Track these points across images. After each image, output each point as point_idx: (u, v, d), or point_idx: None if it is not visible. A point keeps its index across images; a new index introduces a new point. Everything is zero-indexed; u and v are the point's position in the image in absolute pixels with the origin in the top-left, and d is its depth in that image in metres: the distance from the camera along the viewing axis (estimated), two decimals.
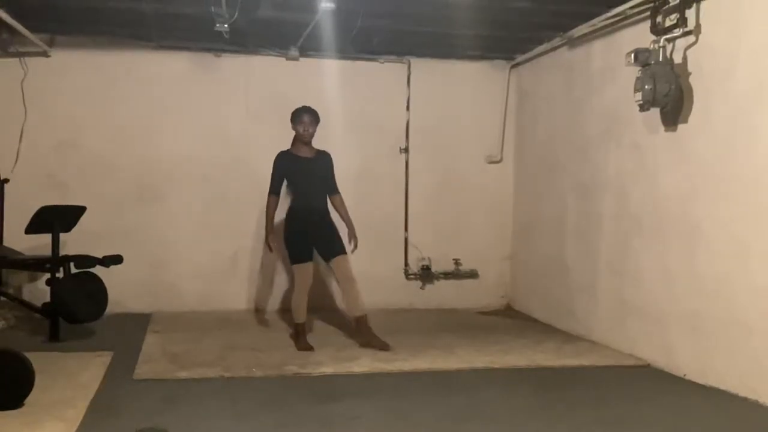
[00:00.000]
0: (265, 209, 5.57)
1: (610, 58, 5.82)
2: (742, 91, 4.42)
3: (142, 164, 6.95)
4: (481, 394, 4.40)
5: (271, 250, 5.55)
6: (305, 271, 5.50)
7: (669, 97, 4.82)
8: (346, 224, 5.68)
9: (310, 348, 5.42)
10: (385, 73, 7.44)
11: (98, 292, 5.71)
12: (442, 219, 7.59)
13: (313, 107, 5.64)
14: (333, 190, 5.69)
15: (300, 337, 5.55)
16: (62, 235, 5.68)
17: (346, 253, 5.58)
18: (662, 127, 5.11)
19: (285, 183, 5.61)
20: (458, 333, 6.21)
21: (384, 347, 5.42)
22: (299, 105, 6.99)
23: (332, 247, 5.53)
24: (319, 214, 5.56)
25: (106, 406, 3.95)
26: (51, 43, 6.68)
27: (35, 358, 3.96)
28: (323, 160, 5.64)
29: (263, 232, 7.09)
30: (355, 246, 5.67)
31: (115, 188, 6.89)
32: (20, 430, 3.50)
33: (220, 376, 4.68)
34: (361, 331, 5.58)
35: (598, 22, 5.77)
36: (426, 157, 7.53)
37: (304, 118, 5.54)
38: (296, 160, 5.55)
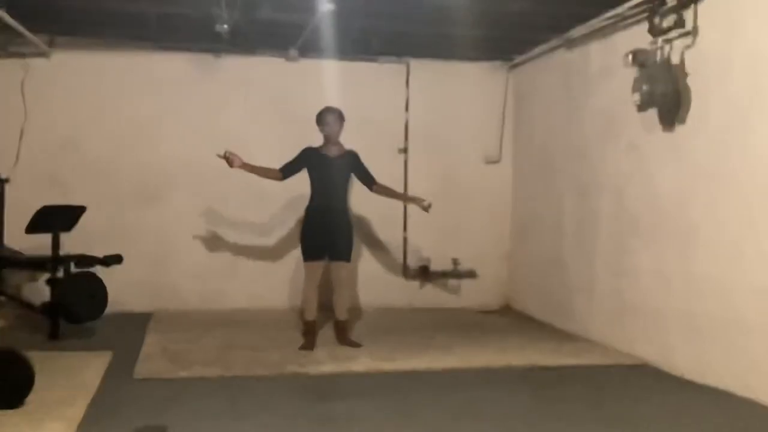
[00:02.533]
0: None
1: (607, 59, 5.84)
2: (739, 92, 4.44)
3: (142, 164, 6.97)
4: (480, 393, 4.42)
5: (225, 157, 5.50)
6: (315, 269, 5.57)
7: (666, 97, 4.85)
8: (404, 198, 5.83)
9: (309, 348, 5.46)
10: (384, 74, 7.46)
11: (98, 291, 5.73)
12: (441, 219, 7.57)
13: (335, 106, 5.68)
14: (371, 182, 5.72)
15: (307, 335, 5.59)
16: (62, 235, 5.70)
17: (349, 260, 5.70)
18: (660, 128, 5.13)
19: (309, 180, 5.64)
20: (457, 332, 6.23)
21: (356, 345, 5.59)
22: (298, 105, 7.06)
23: (339, 251, 5.60)
24: (337, 214, 5.60)
25: (106, 405, 3.97)
26: (51, 44, 6.70)
27: (35, 358, 3.97)
28: (348, 159, 5.68)
29: (263, 231, 7.19)
30: (429, 205, 5.71)
31: (115, 188, 6.91)
32: (20, 429, 3.52)
33: (220, 375, 4.69)
34: (338, 332, 5.75)
35: (595, 23, 5.80)
36: (425, 157, 7.56)
37: (328, 119, 5.59)
38: (321, 158, 5.60)
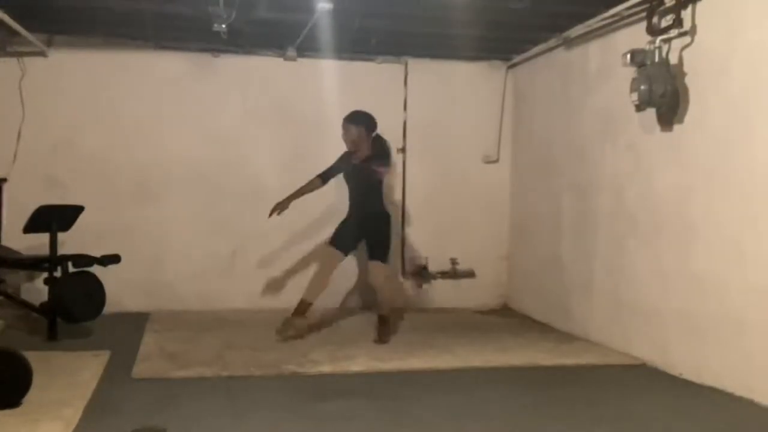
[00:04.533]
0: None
1: (606, 59, 5.84)
2: (738, 91, 4.44)
3: (140, 164, 6.97)
4: (478, 393, 4.42)
5: (270, 214, 5.77)
6: (332, 255, 5.75)
7: (665, 97, 4.84)
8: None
9: (300, 335, 5.62)
10: (383, 73, 7.45)
11: (96, 291, 5.71)
12: (439, 219, 7.61)
13: (361, 110, 5.89)
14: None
15: (297, 313, 5.68)
16: (60, 235, 5.68)
17: (378, 260, 5.79)
18: (658, 128, 5.13)
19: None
20: (455, 332, 6.23)
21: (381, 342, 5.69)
22: (297, 105, 7.07)
23: (370, 252, 5.82)
24: (364, 219, 5.78)
25: (103, 405, 3.97)
26: (49, 43, 6.69)
27: (33, 358, 3.96)
28: (372, 162, 5.79)
29: (261, 231, 7.18)
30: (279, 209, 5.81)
31: (113, 188, 6.91)
32: (18, 429, 3.51)
33: (218, 375, 4.69)
34: (377, 327, 5.82)
35: (594, 22, 5.79)
36: (423, 157, 7.55)
37: (342, 125, 5.82)
38: (348, 164, 5.80)
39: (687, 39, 4.84)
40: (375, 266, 5.77)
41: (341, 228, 5.83)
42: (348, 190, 5.90)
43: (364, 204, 5.81)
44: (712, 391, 4.48)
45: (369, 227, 5.77)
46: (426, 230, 7.58)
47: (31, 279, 6.57)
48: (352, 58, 7.25)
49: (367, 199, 5.82)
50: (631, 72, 5.04)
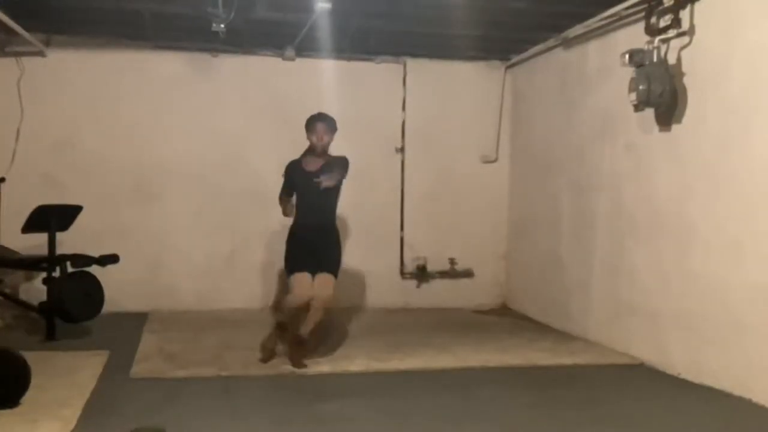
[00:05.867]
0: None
1: (604, 59, 5.84)
2: (736, 91, 4.45)
3: (139, 163, 6.96)
4: (477, 392, 4.42)
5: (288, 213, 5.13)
6: (301, 281, 5.03)
7: (663, 97, 4.85)
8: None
9: (269, 350, 5.07)
10: (382, 73, 7.46)
11: (95, 291, 5.71)
12: (438, 218, 7.61)
13: (328, 113, 5.17)
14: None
15: (271, 333, 5.17)
16: (59, 235, 5.68)
17: (330, 273, 5.05)
18: (657, 128, 5.14)
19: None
20: (454, 332, 6.23)
21: (298, 365, 4.88)
22: (295, 105, 7.03)
23: (322, 264, 5.05)
24: (318, 231, 5.12)
25: (102, 405, 3.97)
26: (47, 43, 6.69)
27: (32, 358, 3.97)
28: (330, 170, 4.98)
29: (260, 231, 7.18)
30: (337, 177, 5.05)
31: (111, 187, 6.90)
32: (17, 429, 3.51)
33: (217, 374, 4.69)
34: (290, 345, 5.03)
35: (592, 22, 5.80)
36: (422, 156, 7.56)
37: (317, 126, 5.06)
38: (300, 173, 5.15)
39: (685, 39, 4.85)
40: (328, 279, 4.99)
41: (292, 252, 5.11)
42: (299, 201, 5.16)
43: (321, 213, 5.13)
44: (711, 390, 4.48)
45: (323, 240, 5.11)
46: (424, 230, 7.58)
47: (29, 279, 6.56)
48: (350, 58, 7.26)
49: (325, 208, 5.15)
50: (629, 72, 5.04)
